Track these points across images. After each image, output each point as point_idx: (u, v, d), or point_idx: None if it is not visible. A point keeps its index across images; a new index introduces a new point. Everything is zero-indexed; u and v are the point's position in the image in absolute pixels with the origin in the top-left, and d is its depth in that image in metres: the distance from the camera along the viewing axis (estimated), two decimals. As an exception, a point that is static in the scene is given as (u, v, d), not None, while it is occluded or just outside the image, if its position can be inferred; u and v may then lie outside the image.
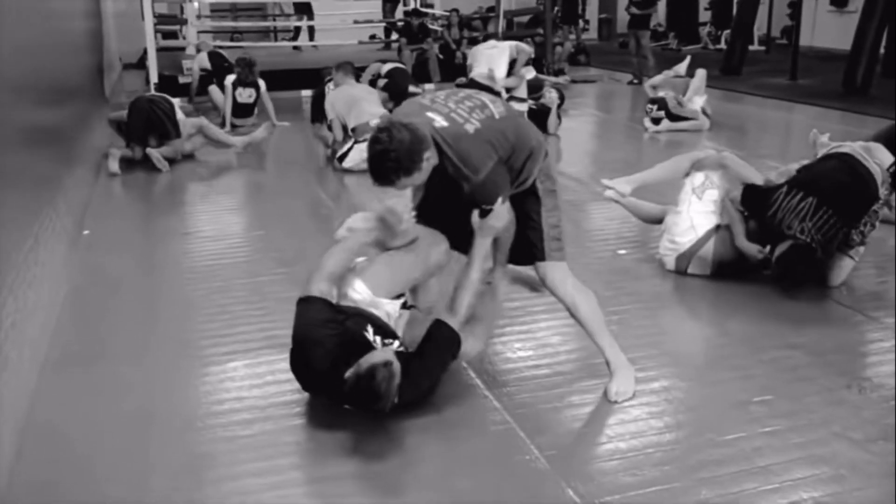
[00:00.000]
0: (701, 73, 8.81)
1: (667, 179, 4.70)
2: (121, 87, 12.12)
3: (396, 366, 2.75)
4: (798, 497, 2.54)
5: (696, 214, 4.39)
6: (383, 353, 2.81)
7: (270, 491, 2.65)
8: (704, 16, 18.94)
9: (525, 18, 16.31)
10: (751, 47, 14.95)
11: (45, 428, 3.05)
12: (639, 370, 3.31)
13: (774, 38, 17.24)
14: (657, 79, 9.17)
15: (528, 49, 9.35)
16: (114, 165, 7.12)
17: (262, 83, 9.36)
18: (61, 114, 6.56)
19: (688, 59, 9.28)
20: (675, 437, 2.92)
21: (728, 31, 16.08)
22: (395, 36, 14.76)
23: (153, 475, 2.76)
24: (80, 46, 8.30)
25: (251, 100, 9.38)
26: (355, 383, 2.73)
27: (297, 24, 16.90)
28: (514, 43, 9.37)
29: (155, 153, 7.22)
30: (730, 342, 3.75)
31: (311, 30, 16.52)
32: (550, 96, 8.82)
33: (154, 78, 10.80)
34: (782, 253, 4.05)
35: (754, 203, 4.23)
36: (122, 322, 4.01)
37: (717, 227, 4.36)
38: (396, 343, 2.99)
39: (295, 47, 16.02)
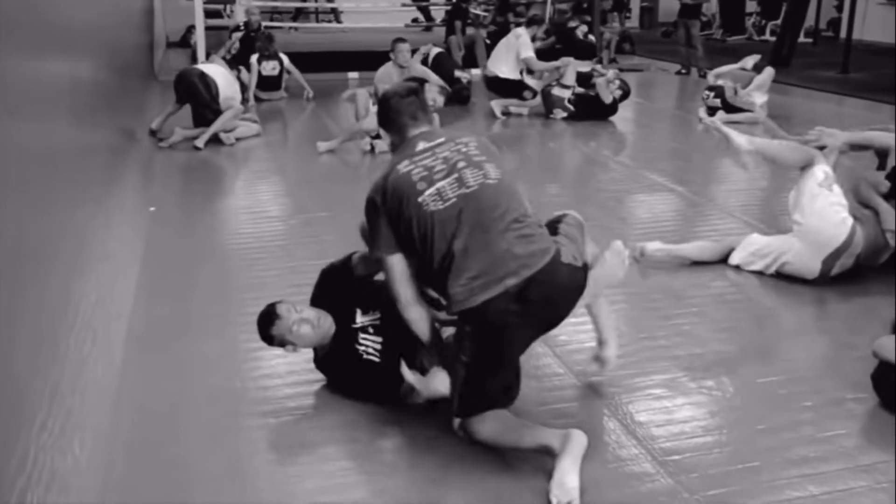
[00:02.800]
0: (769, 71, 8.67)
1: (784, 158, 4.43)
2: (167, 66, 12.16)
3: None
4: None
5: (839, 206, 4.10)
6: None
7: (366, 474, 2.65)
8: (750, 6, 18.72)
9: (566, 5, 16.16)
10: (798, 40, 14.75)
11: (134, 404, 3.06)
12: (728, 362, 3.29)
13: (821, 30, 17.01)
14: (722, 69, 9.04)
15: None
16: (174, 139, 7.26)
17: (284, 57, 9.97)
18: (124, 89, 6.59)
19: (758, 56, 9.13)
20: (772, 432, 2.87)
21: (774, 23, 15.87)
22: (439, 19, 14.67)
23: (243, 452, 2.78)
24: (137, 25, 8.33)
25: (275, 72, 9.99)
26: None
27: (334, 6, 17.01)
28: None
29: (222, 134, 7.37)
30: (816, 334, 3.71)
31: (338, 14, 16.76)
32: (602, 81, 8.76)
33: (202, 56, 10.83)
34: None
35: None
36: (198, 299, 4.03)
37: (855, 217, 4.15)
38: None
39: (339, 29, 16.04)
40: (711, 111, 8.59)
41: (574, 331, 3.59)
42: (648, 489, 2.53)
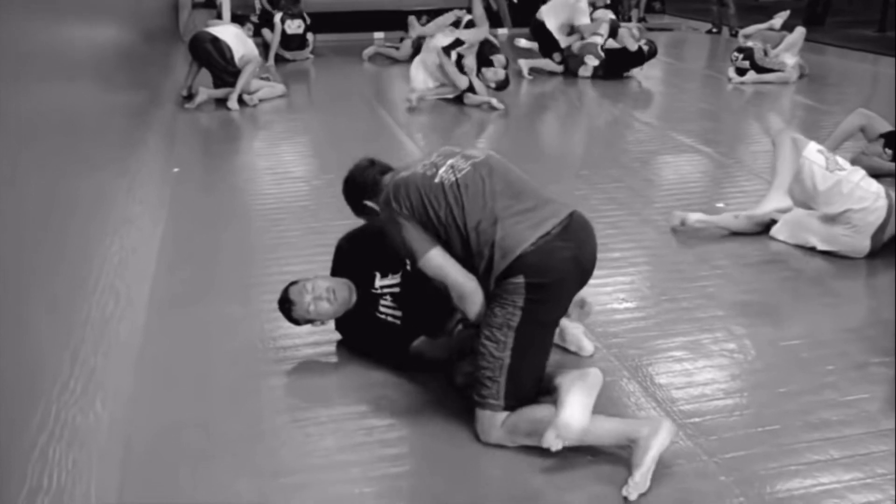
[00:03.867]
0: (800, 31, 8.51)
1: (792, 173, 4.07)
2: (192, 26, 12.12)
3: None
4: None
5: (862, 181, 3.94)
6: None
7: (387, 432, 2.67)
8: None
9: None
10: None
11: (157, 365, 3.09)
12: (746, 324, 3.26)
13: (856, -13, 16.62)
14: (750, 29, 8.89)
15: None
16: (199, 99, 7.31)
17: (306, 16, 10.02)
18: (148, 51, 6.59)
19: (786, 14, 8.96)
20: (794, 395, 2.85)
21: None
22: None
23: (264, 412, 2.80)
24: (161, -16, 8.31)
25: (300, 30, 9.96)
26: None
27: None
28: None
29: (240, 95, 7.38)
30: (842, 301, 3.66)
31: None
32: (624, 31, 8.77)
33: (227, 17, 10.79)
34: None
35: None
36: (222, 261, 4.04)
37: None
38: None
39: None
40: (741, 72, 8.46)
41: (594, 292, 3.57)
42: (667, 452, 2.52)
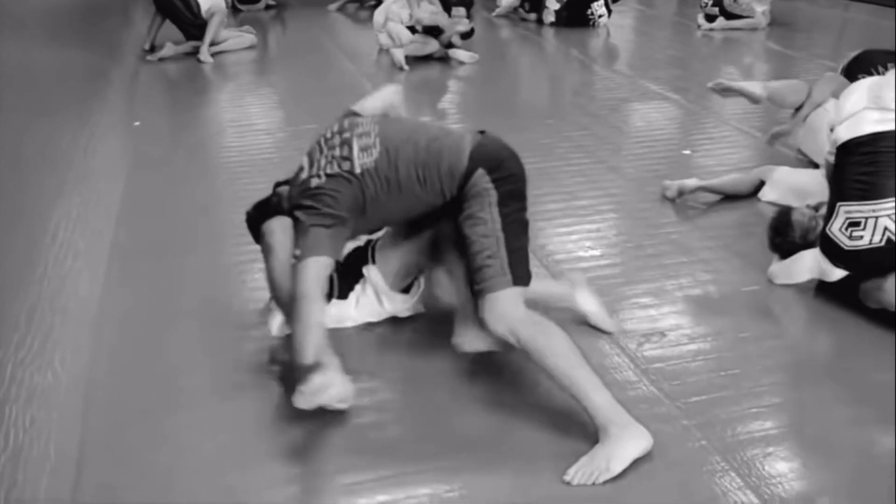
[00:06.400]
0: None
1: (784, 99, 4.13)
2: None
3: None
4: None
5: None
6: None
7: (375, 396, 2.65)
8: None
9: None
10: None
11: (117, 321, 3.06)
12: (711, 271, 3.28)
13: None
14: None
15: None
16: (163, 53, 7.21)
17: None
18: (107, 2, 6.44)
19: None
20: (756, 339, 2.87)
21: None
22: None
23: (221, 367, 2.77)
24: (119, -67, 8.11)
25: None
26: None
27: None
28: None
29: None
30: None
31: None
32: None
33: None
34: None
35: None
36: (183, 214, 3.99)
37: None
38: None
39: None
40: (710, 19, 8.41)
41: (561, 240, 3.58)
42: (630, 397, 2.53)
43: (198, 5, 7.25)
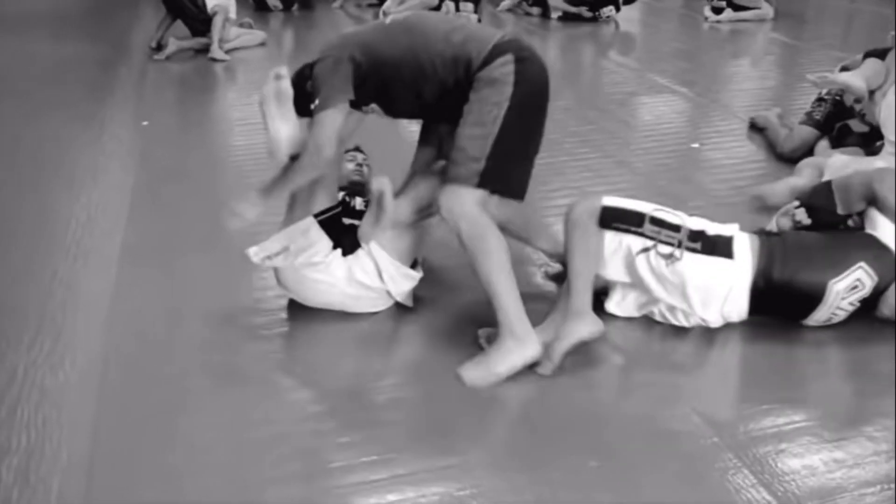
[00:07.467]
0: None
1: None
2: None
3: None
4: None
5: None
6: None
7: (386, 393, 2.66)
8: None
9: None
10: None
11: (127, 322, 3.05)
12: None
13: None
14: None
15: None
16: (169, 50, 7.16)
17: None
18: (115, 1, 6.45)
19: None
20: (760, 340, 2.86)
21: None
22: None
23: (238, 365, 2.78)
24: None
25: None
26: None
27: None
28: None
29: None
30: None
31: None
32: None
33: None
34: None
35: None
36: (192, 214, 3.99)
37: None
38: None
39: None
40: (717, 11, 8.38)
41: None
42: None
43: (203, 1, 7.25)
